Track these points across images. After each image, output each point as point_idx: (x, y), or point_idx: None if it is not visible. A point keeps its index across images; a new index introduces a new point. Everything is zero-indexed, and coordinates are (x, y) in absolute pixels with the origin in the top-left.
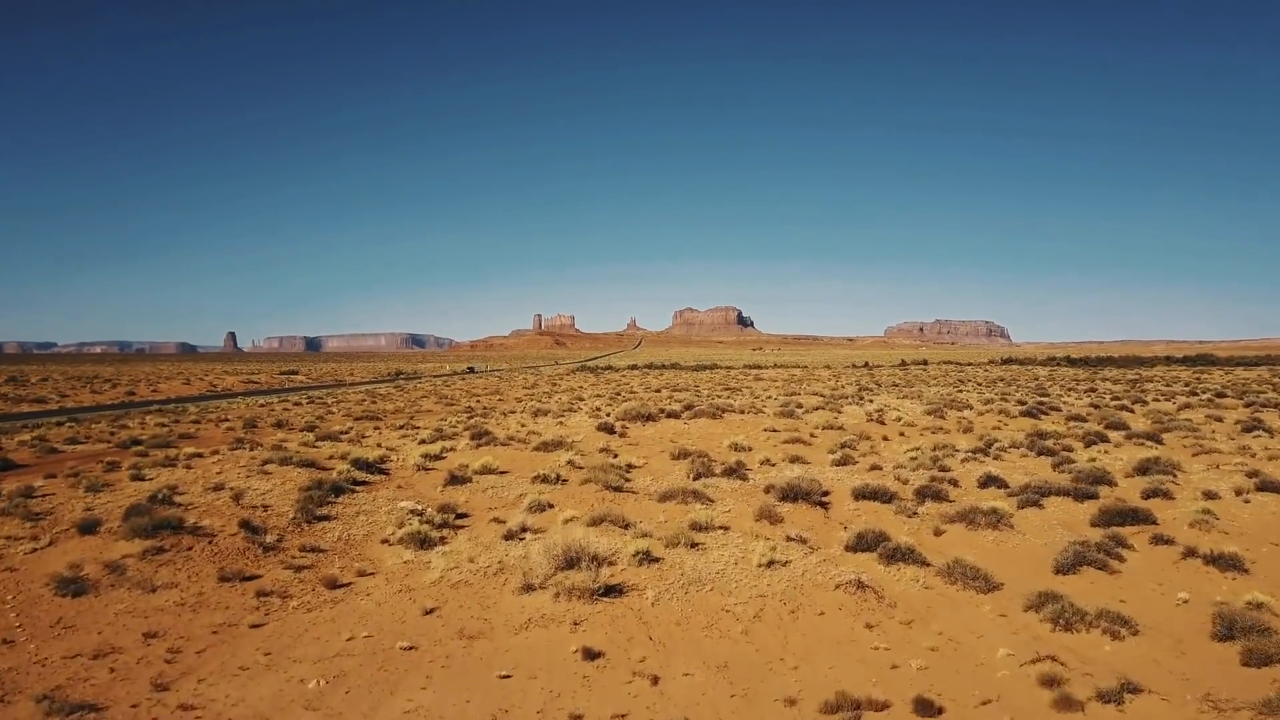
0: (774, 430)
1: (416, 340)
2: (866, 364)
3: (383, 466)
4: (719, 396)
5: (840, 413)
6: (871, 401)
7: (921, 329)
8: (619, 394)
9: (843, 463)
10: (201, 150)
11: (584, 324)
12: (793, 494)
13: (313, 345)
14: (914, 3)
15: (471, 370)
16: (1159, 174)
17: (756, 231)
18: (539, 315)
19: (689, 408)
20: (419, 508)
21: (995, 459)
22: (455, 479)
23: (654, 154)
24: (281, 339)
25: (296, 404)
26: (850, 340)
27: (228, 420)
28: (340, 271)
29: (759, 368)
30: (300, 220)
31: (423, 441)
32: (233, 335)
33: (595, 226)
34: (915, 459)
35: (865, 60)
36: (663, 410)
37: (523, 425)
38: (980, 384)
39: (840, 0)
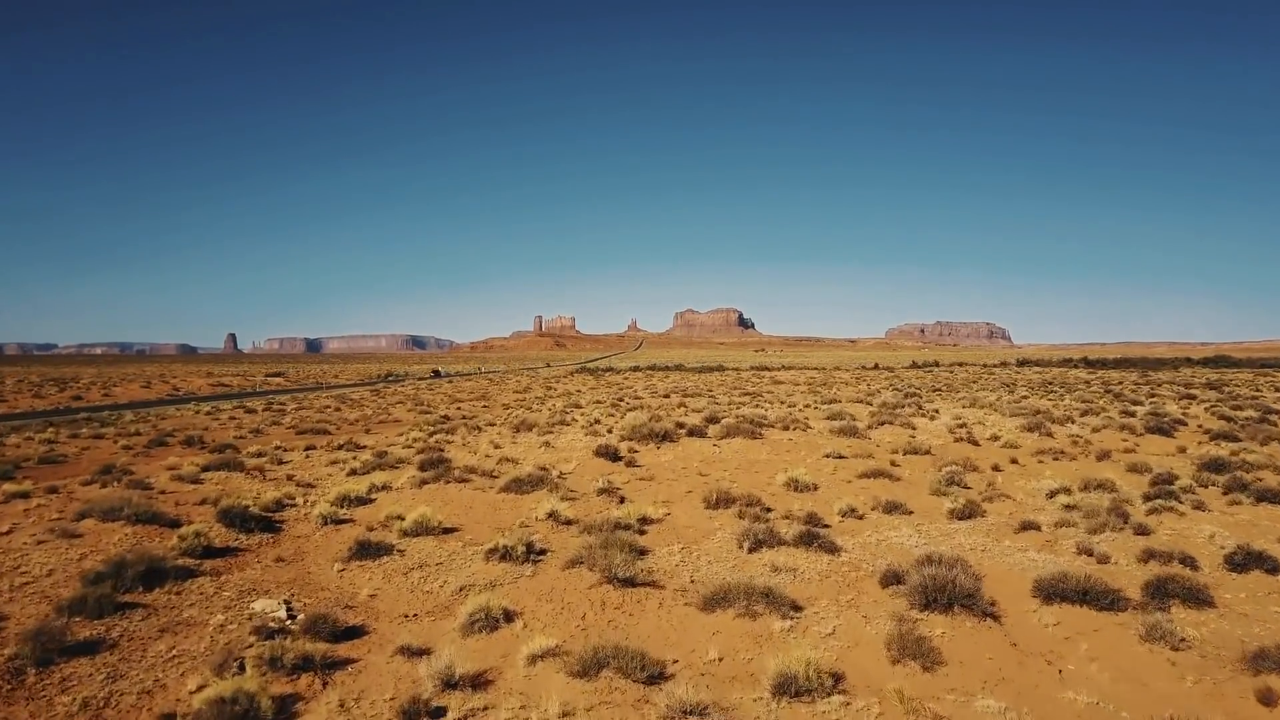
0: (839, 456)
1: (417, 342)
2: (877, 365)
3: (273, 518)
4: (741, 403)
5: (913, 428)
6: (937, 412)
7: (922, 330)
8: (622, 400)
9: (967, 515)
10: (203, 152)
11: (584, 325)
12: (938, 596)
13: (313, 347)
14: (916, 4)
15: (437, 374)
16: (1160, 176)
17: (757, 233)
18: (539, 317)
19: (712, 420)
20: (282, 614)
21: (1197, 508)
22: (366, 549)
23: (655, 155)
24: (282, 340)
25: (248, 411)
26: (852, 342)
27: (140, 435)
28: (342, 273)
29: (768, 369)
30: (302, 222)
31: (353, 472)
32: (233, 336)
33: (596, 228)
34: (1072, 504)
35: (867, 62)
36: (681, 425)
37: (496, 447)
38: (1034, 388)
39: (842, 1)
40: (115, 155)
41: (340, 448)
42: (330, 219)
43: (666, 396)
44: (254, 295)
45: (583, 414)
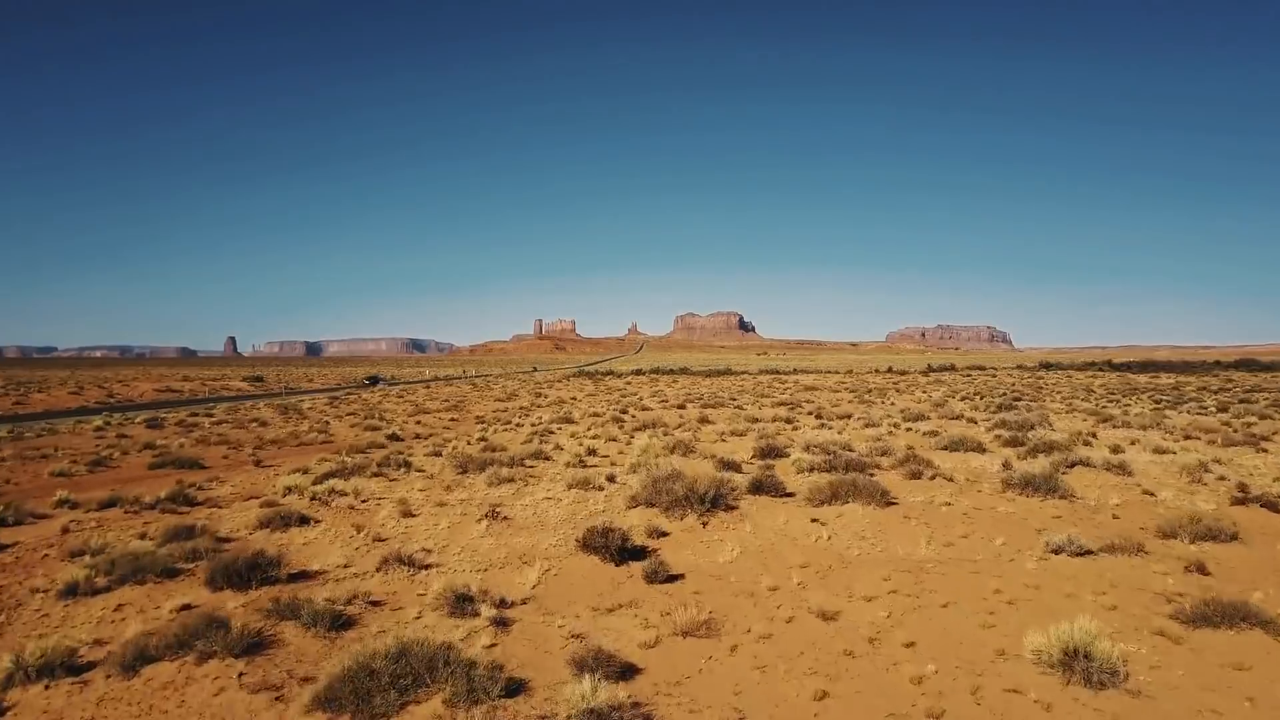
0: (1082, 551)
1: (417, 345)
2: (891, 369)
3: None
4: (786, 419)
5: (1128, 473)
6: (1095, 439)
7: (923, 334)
8: (626, 413)
9: None
10: (204, 154)
11: (584, 329)
12: None
13: (314, 350)
14: (917, 5)
15: (375, 381)
16: (1159, 179)
17: (757, 236)
18: (539, 320)
19: (773, 453)
20: None
21: None
22: None
23: (655, 158)
24: (282, 343)
25: (152, 426)
26: (854, 345)
27: None
28: (343, 276)
29: (780, 373)
30: (304, 225)
31: (70, 592)
32: (233, 339)
33: (596, 232)
34: None
35: (867, 63)
36: (731, 467)
37: (405, 514)
38: (1127, 397)
39: (843, 5)
40: (116, 157)
41: (156, 504)
42: (331, 222)
43: (682, 407)
44: (256, 298)
45: (573, 436)
